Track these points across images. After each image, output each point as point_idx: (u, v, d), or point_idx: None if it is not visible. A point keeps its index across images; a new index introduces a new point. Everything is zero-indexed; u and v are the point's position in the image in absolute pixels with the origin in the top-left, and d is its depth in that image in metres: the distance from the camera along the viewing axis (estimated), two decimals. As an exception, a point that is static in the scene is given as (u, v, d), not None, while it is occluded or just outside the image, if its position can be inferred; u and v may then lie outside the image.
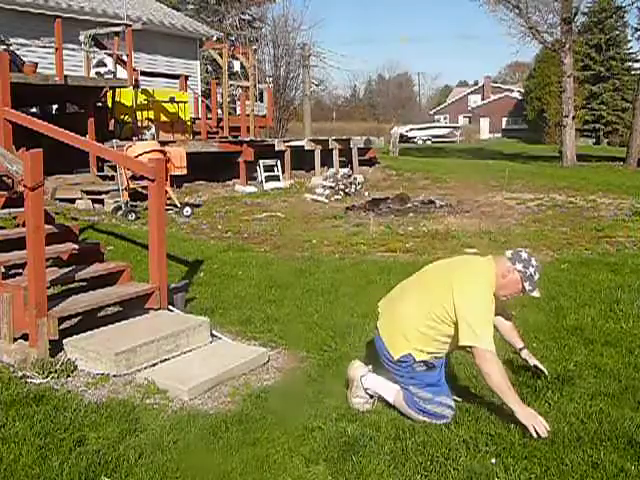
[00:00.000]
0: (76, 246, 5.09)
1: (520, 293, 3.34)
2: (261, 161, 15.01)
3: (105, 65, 14.19)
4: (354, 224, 9.85)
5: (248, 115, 17.55)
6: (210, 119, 17.08)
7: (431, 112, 69.37)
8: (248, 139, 15.67)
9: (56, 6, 15.77)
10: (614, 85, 43.68)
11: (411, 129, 48.42)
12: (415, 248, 7.79)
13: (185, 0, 32.04)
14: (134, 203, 10.18)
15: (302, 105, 32.31)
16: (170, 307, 4.73)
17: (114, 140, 11.54)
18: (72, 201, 10.48)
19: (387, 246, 7.97)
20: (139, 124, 14.03)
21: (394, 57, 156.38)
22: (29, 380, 3.76)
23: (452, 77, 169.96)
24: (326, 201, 12.82)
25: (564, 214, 10.72)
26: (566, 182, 15.21)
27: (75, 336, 4.11)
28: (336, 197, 13.33)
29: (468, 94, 70.09)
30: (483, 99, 65.64)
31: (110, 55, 13.86)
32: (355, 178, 14.72)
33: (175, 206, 10.48)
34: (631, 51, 45.02)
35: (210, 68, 29.25)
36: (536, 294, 3.33)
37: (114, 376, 3.82)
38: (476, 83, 75.53)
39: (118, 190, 10.51)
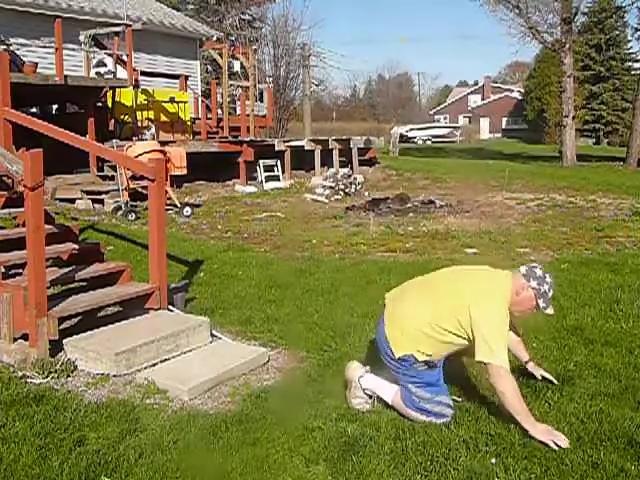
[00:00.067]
0: (76, 246, 5.09)
1: (534, 310, 3.32)
2: (261, 161, 15.02)
3: (105, 65, 14.19)
4: (354, 224, 9.85)
5: (248, 115, 17.56)
6: (210, 119, 17.08)
7: (431, 112, 69.39)
8: (248, 139, 15.67)
9: (56, 6, 15.78)
10: (614, 85, 43.70)
11: (411, 129, 48.42)
12: (415, 248, 7.79)
13: (185, 0, 32.05)
14: (134, 203, 10.18)
15: (302, 105, 32.32)
16: (170, 307, 4.73)
17: (114, 140, 11.54)
18: (72, 201, 10.48)
19: (387, 246, 7.97)
20: (139, 124, 14.03)
21: (394, 57, 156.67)
22: (29, 380, 3.76)
23: (452, 77, 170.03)
24: (326, 201, 12.82)
25: (564, 214, 10.72)
26: (566, 182, 15.21)
27: (75, 336, 4.11)
28: (336, 197, 13.33)
29: (468, 94, 70.10)
30: (483, 99, 65.65)
31: (110, 55, 13.86)
32: (355, 178, 14.72)
33: (175, 206, 10.48)
34: (631, 51, 45.08)
35: (210, 68, 29.27)
36: (549, 311, 3.31)
37: (114, 376, 3.82)
38: (476, 83, 75.56)
39: (118, 190, 10.51)
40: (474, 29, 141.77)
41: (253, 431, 3.17)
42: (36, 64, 11.69)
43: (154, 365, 3.97)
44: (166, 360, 4.05)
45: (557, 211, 11.11)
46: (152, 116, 14.57)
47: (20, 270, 4.58)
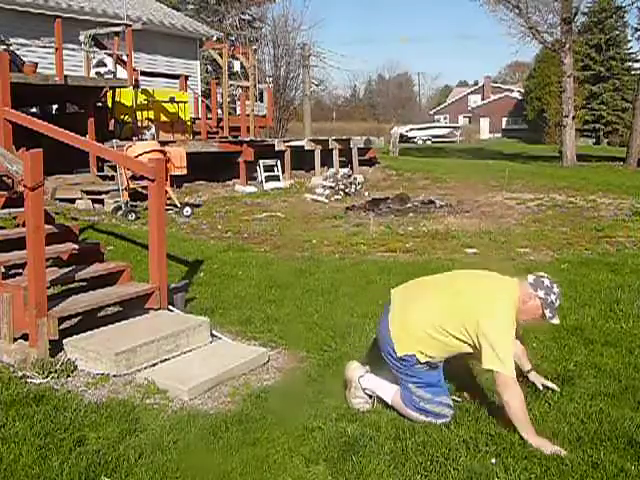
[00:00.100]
0: (76, 246, 5.09)
1: (540, 319, 3.31)
2: (261, 161, 15.02)
3: (105, 65, 14.19)
4: (354, 224, 9.85)
5: (248, 115, 17.55)
6: (210, 119, 17.08)
7: (431, 112, 69.39)
8: (248, 139, 15.67)
9: (56, 6, 15.78)
10: (614, 85, 43.70)
11: (411, 129, 48.42)
12: (415, 248, 7.79)
13: (185, 0, 32.05)
14: (134, 203, 10.18)
15: (302, 105, 32.31)
16: (170, 307, 4.73)
17: (114, 140, 11.54)
18: (72, 201, 10.48)
19: (387, 246, 7.97)
20: (139, 124, 14.03)
21: (394, 57, 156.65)
22: (29, 380, 3.76)
23: (452, 77, 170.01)
24: (326, 201, 12.82)
25: (564, 214, 10.72)
26: (566, 182, 15.21)
27: (75, 336, 4.11)
28: (336, 197, 13.33)
29: (468, 94, 70.10)
30: (483, 99, 65.65)
31: (110, 55, 13.86)
32: (355, 178, 14.72)
33: (175, 206, 10.48)
34: (631, 51, 45.09)
35: (210, 68, 29.27)
36: (555, 321, 3.30)
37: (114, 376, 3.82)
38: (476, 83, 75.56)
39: (118, 190, 10.51)
40: (474, 29, 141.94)
41: (253, 431, 3.17)
42: (36, 64, 11.69)
43: (154, 365, 3.97)
44: (166, 360, 4.05)
45: (557, 211, 11.11)
46: (152, 116, 14.57)
47: (20, 270, 4.58)
